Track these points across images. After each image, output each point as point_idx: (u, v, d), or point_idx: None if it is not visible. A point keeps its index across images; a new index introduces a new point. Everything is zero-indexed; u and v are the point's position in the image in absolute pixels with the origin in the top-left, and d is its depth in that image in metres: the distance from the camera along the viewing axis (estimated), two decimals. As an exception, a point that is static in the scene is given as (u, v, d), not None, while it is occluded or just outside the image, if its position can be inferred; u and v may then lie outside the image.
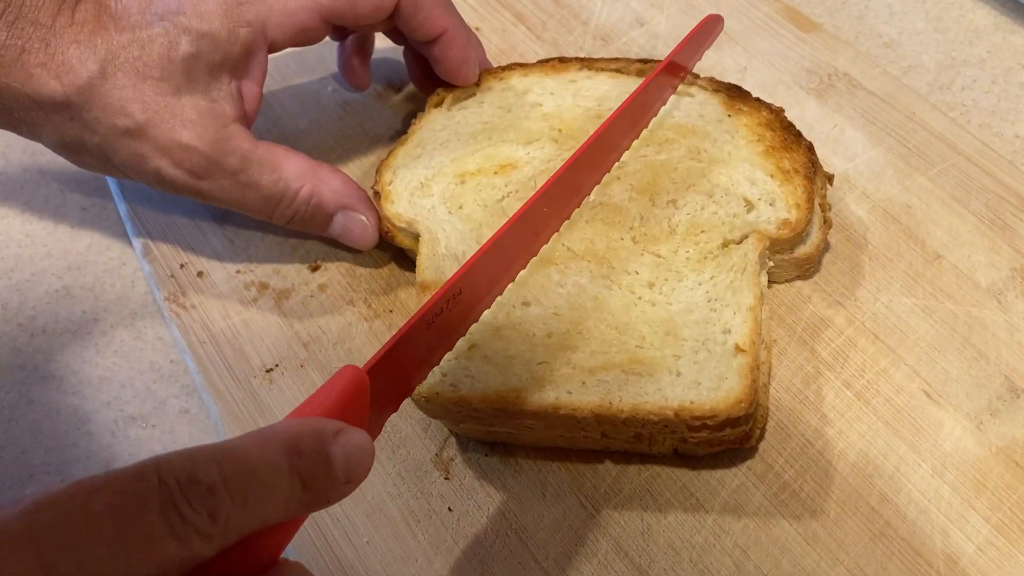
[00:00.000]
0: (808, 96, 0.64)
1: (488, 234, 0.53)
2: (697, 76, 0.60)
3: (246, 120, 0.54)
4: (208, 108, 0.51)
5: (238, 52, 0.52)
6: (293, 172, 0.53)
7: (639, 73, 0.60)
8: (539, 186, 0.54)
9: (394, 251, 0.58)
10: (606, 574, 0.45)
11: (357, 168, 0.62)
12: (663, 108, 0.57)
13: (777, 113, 0.57)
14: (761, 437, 0.48)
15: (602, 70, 0.61)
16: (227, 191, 0.52)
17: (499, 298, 0.50)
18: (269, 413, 0.52)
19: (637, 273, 0.51)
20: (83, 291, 0.61)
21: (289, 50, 0.69)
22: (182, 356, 0.56)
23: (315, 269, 0.58)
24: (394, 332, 0.53)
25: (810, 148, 0.55)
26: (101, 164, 0.52)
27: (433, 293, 0.49)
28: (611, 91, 0.59)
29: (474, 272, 0.45)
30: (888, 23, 0.71)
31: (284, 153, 0.54)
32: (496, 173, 0.56)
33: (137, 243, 0.60)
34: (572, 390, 0.46)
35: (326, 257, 0.58)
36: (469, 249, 0.52)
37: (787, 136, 0.55)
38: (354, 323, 0.55)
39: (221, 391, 0.53)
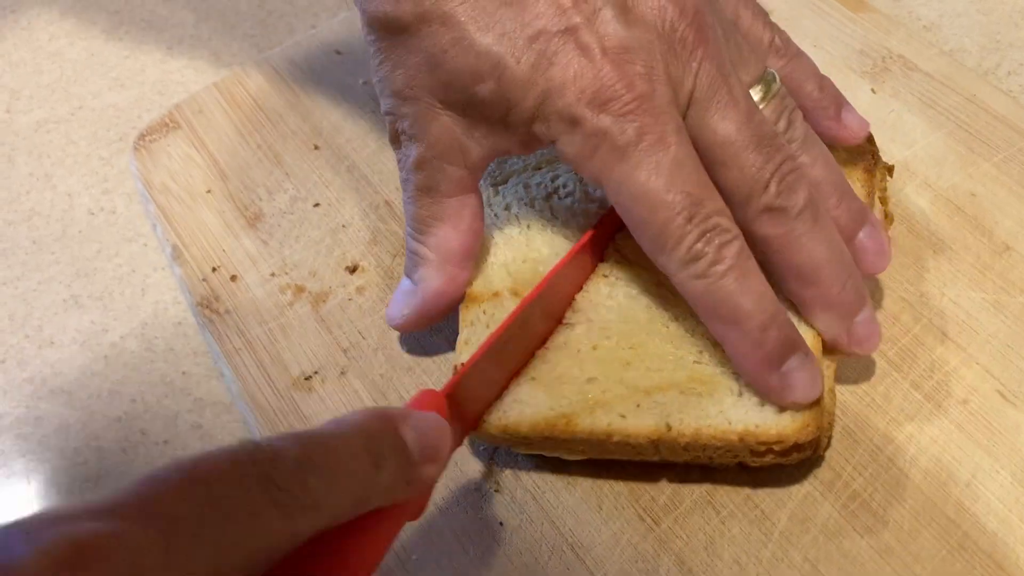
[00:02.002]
0: (862, 80, 0.61)
1: (538, 236, 0.50)
2: None
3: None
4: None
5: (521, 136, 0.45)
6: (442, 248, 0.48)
7: None
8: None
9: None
10: (669, 591, 0.43)
11: (393, 163, 0.60)
12: None
13: None
14: (828, 444, 0.46)
15: None
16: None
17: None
18: (310, 423, 0.50)
19: None
20: (91, 300, 0.59)
21: (319, 44, 0.67)
22: (216, 364, 0.54)
23: (353, 270, 0.55)
24: (435, 336, 0.52)
25: (869, 138, 0.52)
26: None
27: (481, 304, 0.47)
28: None
29: (542, 298, 0.44)
30: (927, 5, 0.68)
31: (452, 227, 0.48)
32: (539, 168, 0.53)
33: (167, 246, 0.58)
34: (626, 413, 0.43)
35: (363, 258, 0.56)
36: (518, 255, 0.50)
37: None
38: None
39: (260, 401, 0.51)
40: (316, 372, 0.52)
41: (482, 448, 0.48)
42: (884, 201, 0.52)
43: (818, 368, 0.43)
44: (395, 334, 0.52)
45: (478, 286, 0.49)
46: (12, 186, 0.65)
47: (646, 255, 0.48)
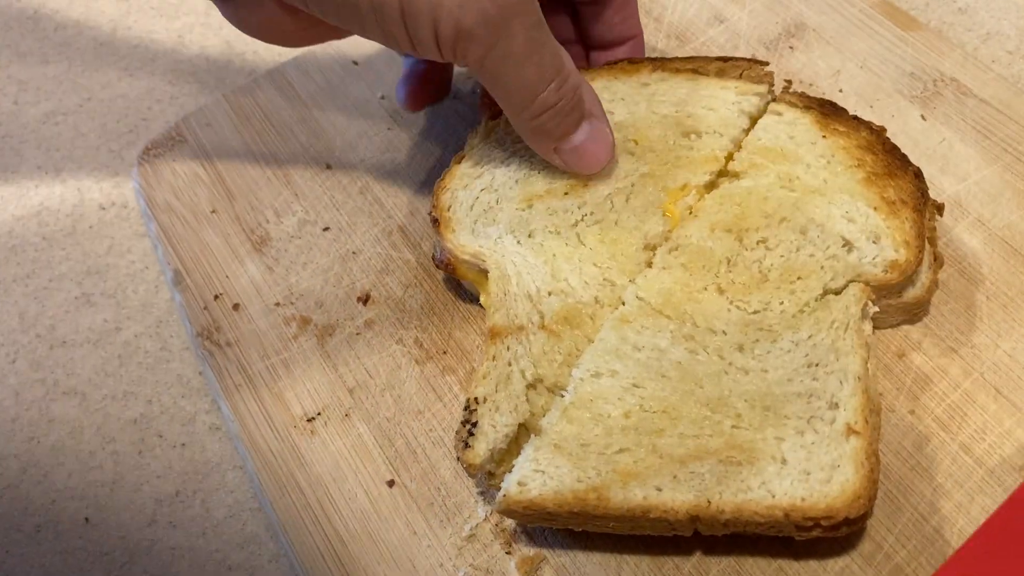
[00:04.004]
0: (911, 105, 0.56)
1: (565, 266, 0.47)
2: (787, 87, 0.53)
3: None
4: None
5: None
6: (566, 54, 0.46)
7: (719, 73, 0.53)
8: (616, 207, 0.48)
9: (450, 279, 0.52)
10: (691, 673, 0.40)
11: (408, 186, 0.57)
12: (746, 129, 0.51)
13: (879, 133, 0.50)
14: (869, 513, 0.42)
15: (677, 71, 0.54)
16: (505, 57, 0.44)
17: (567, 369, 0.44)
18: (311, 470, 0.47)
19: (724, 333, 0.44)
20: (104, 298, 0.57)
21: (335, 54, 0.64)
22: (216, 401, 0.51)
23: (364, 300, 0.52)
24: (448, 377, 0.48)
25: (918, 175, 0.48)
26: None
27: (505, 339, 0.44)
28: (689, 95, 0.53)
29: None
30: (963, -13, 0.64)
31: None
32: (567, 194, 0.50)
33: (168, 270, 0.55)
34: (662, 486, 0.40)
35: (374, 288, 0.53)
36: (544, 286, 0.46)
37: (891, 161, 0.48)
38: (404, 366, 0.50)
39: (258, 443, 0.48)
40: (319, 413, 0.48)
41: (493, 503, 0.45)
42: (933, 242, 0.48)
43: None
44: (406, 374, 0.49)
45: (500, 319, 0.46)
46: (20, 180, 0.63)
47: (671, 304, 0.45)
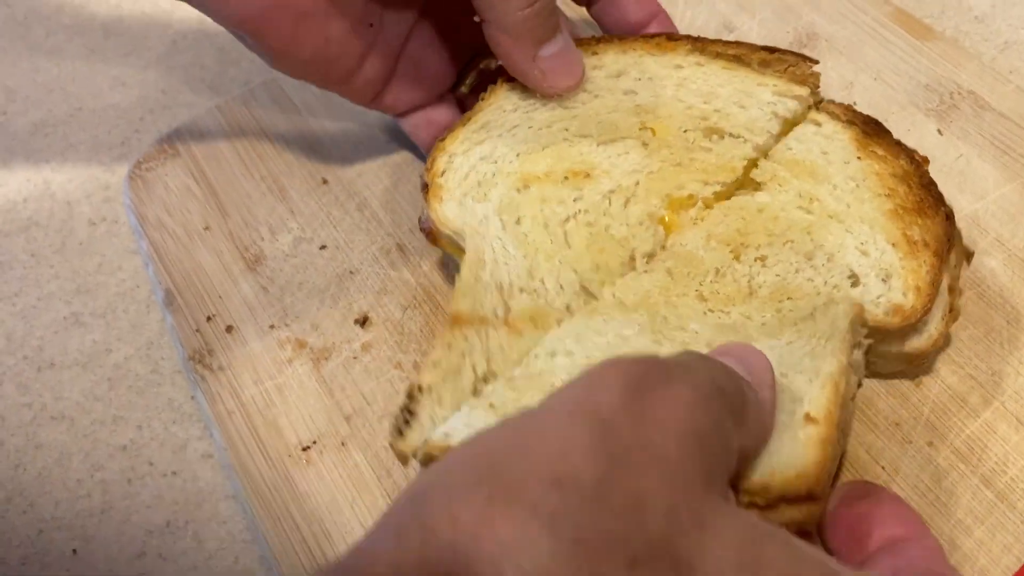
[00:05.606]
0: (927, 119, 0.55)
1: (544, 265, 0.44)
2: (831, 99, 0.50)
3: None
4: None
5: None
6: None
7: (762, 64, 0.50)
8: (612, 209, 0.46)
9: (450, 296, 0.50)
10: None
11: (407, 202, 0.55)
12: (776, 135, 0.48)
13: (919, 165, 0.47)
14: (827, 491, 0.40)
15: (717, 56, 0.51)
16: None
17: (522, 343, 0.42)
18: (305, 502, 0.45)
19: (696, 332, 0.42)
20: (94, 318, 0.55)
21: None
22: (208, 427, 0.49)
23: (362, 322, 0.50)
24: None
25: (949, 217, 0.45)
26: None
27: (464, 328, 0.41)
28: (722, 88, 0.49)
29: None
30: (979, -7, 0.62)
31: None
32: (565, 179, 0.47)
33: (159, 289, 0.53)
34: None
35: (371, 309, 0.51)
36: (517, 282, 0.44)
37: (924, 197, 0.45)
38: (403, 392, 0.47)
39: (251, 472, 0.46)
40: (315, 442, 0.47)
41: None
42: (953, 291, 0.45)
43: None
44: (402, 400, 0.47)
45: (465, 307, 0.43)
46: (8, 194, 0.61)
47: (647, 305, 0.43)
